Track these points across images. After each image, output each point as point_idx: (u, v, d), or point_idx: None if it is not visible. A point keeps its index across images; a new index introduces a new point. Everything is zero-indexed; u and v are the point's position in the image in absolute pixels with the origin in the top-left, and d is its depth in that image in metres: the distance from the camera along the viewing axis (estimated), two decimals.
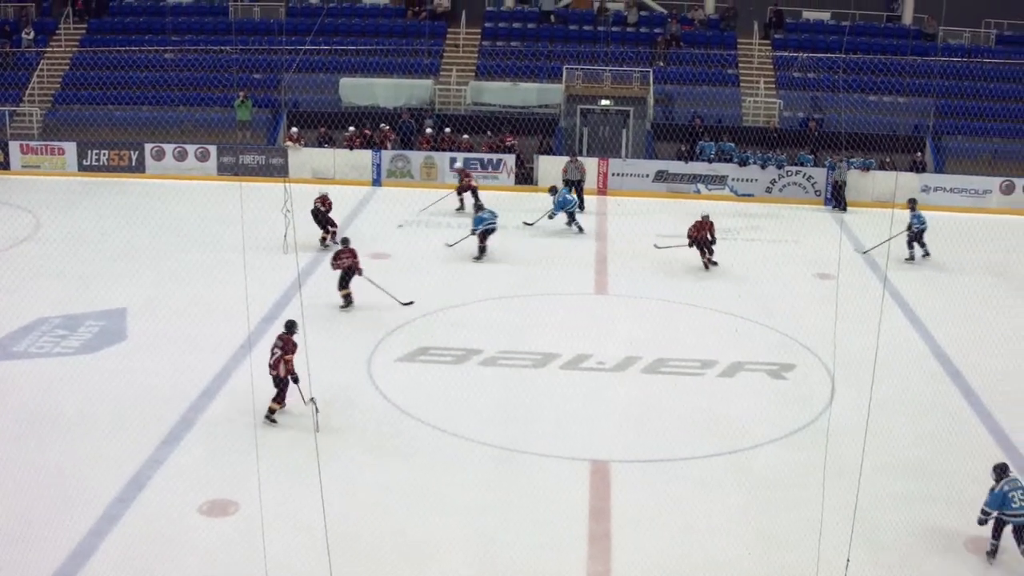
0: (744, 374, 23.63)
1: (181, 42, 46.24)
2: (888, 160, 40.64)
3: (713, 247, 30.96)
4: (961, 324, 27.12)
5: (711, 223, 30.86)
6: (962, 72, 44.42)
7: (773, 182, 39.70)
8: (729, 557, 16.50)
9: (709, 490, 18.66)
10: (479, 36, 47.06)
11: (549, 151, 40.95)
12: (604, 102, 42.96)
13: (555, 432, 20.47)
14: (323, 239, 31.65)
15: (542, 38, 46.79)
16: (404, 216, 35.02)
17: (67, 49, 47.70)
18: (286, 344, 20.27)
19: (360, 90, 43.36)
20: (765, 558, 16.51)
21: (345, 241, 27.24)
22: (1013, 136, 43.19)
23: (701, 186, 39.64)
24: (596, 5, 48.64)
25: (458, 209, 36.18)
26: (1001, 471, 16.91)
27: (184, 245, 31.64)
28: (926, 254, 32.73)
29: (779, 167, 39.85)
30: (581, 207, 36.14)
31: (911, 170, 40.42)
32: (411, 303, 26.63)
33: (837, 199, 38.86)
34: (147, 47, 46.30)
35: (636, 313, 27.25)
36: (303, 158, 40.30)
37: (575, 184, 37.08)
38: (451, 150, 40.31)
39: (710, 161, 39.74)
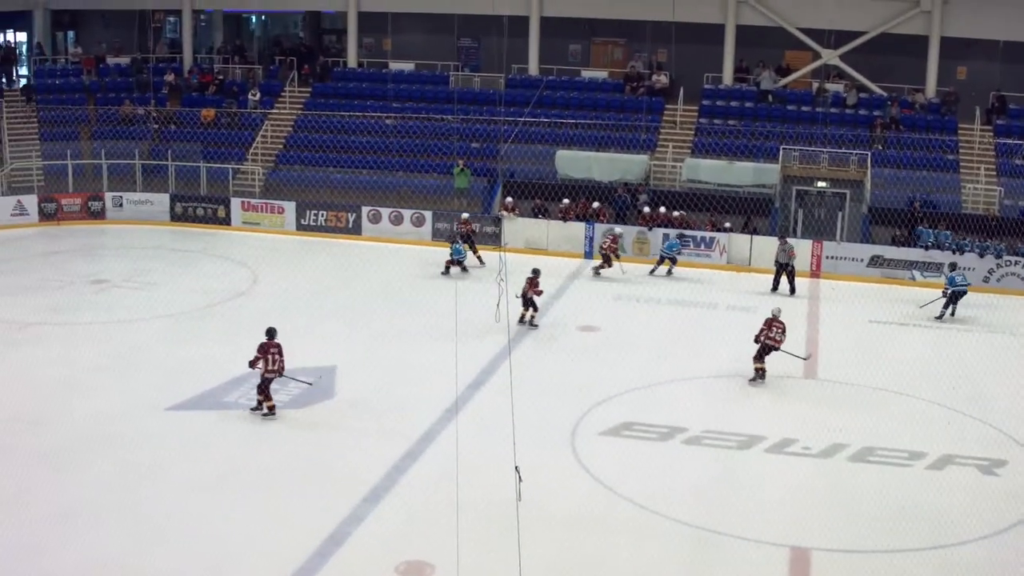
0: (953, 468, 23.14)
1: (402, 109, 47.76)
2: None
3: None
4: None
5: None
6: None
7: (991, 271, 38.82)
8: None
9: None
10: (696, 113, 47.37)
11: (754, 231, 40.80)
12: (820, 184, 42.70)
13: (756, 515, 20.35)
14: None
15: (759, 117, 46.87)
16: (617, 290, 35.27)
17: (291, 111, 49.60)
18: (280, 348, 24.09)
19: (576, 163, 43.98)
20: None
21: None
22: None
23: (916, 273, 39.01)
24: (815, 86, 48.49)
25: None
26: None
27: (396, 308, 32.47)
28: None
29: (997, 256, 38.99)
30: (792, 290, 35.95)
31: None
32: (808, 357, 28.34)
33: None
34: (368, 112, 47.82)
35: (845, 399, 26.89)
36: (517, 227, 40.94)
37: (783, 267, 36.85)
38: (666, 226, 40.46)
39: (927, 248, 39.10)
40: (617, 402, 25.70)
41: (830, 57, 48.65)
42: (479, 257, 38.24)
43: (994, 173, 43.82)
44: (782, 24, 48.17)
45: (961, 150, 45.18)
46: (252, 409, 24.12)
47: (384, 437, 22.83)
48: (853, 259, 39.55)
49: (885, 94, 47.82)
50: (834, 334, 32.24)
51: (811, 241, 39.86)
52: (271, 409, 23.88)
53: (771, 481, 22.01)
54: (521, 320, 31.02)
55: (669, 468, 22.27)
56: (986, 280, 38.75)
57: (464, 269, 37.25)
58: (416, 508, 19.85)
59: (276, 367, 23.89)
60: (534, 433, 22.16)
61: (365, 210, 42.49)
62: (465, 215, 39.90)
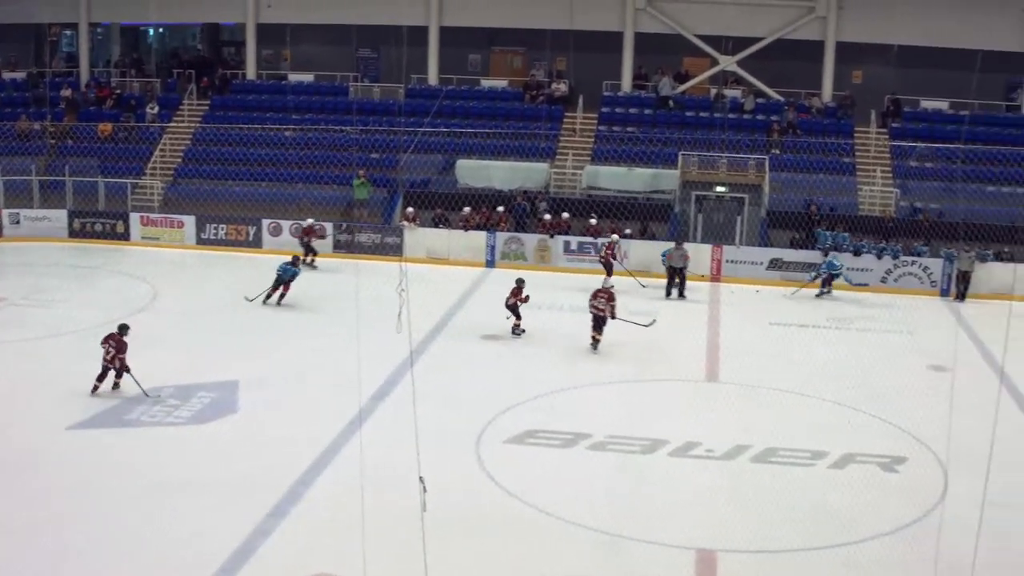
0: (855, 466, 23.34)
1: (301, 120, 47.46)
2: (1007, 251, 40.14)
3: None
4: None
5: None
6: None
7: (888, 272, 39.39)
8: None
9: None
10: (596, 120, 47.56)
11: (652, 236, 41.02)
12: (719, 188, 43.06)
13: (662, 519, 20.36)
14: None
15: (658, 123, 47.18)
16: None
17: (190, 124, 49.16)
18: (119, 345, 25.16)
19: (476, 172, 43.96)
20: None
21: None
22: None
23: (815, 274, 39.45)
24: (713, 92, 48.93)
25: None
26: None
27: (298, 320, 32.20)
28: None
29: (895, 257, 39.55)
30: (681, 294, 36.23)
31: None
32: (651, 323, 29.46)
33: (960, 292, 38.38)
34: (268, 124, 47.61)
35: (747, 401, 27.06)
36: (418, 238, 40.82)
37: (678, 271, 37.03)
38: (566, 234, 40.54)
39: (825, 251, 39.54)
40: (521, 410, 25.61)
41: (728, 63, 49.10)
42: (311, 263, 38.87)
43: (890, 175, 44.46)
44: (680, 31, 48.56)
45: (857, 153, 45.81)
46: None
47: (288, 450, 22.57)
48: (752, 262, 39.94)
49: (782, 99, 48.37)
50: (735, 337, 32.47)
51: (711, 246, 40.18)
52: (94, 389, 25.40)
53: (676, 484, 22.05)
54: (514, 330, 31.18)
55: (574, 474, 22.23)
56: (884, 280, 39.32)
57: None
58: (322, 521, 19.64)
59: (109, 358, 25.21)
60: (439, 443, 21.88)
61: (265, 223, 42.16)
62: (309, 221, 40.17)
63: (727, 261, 39.94)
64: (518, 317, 31.02)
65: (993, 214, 41.25)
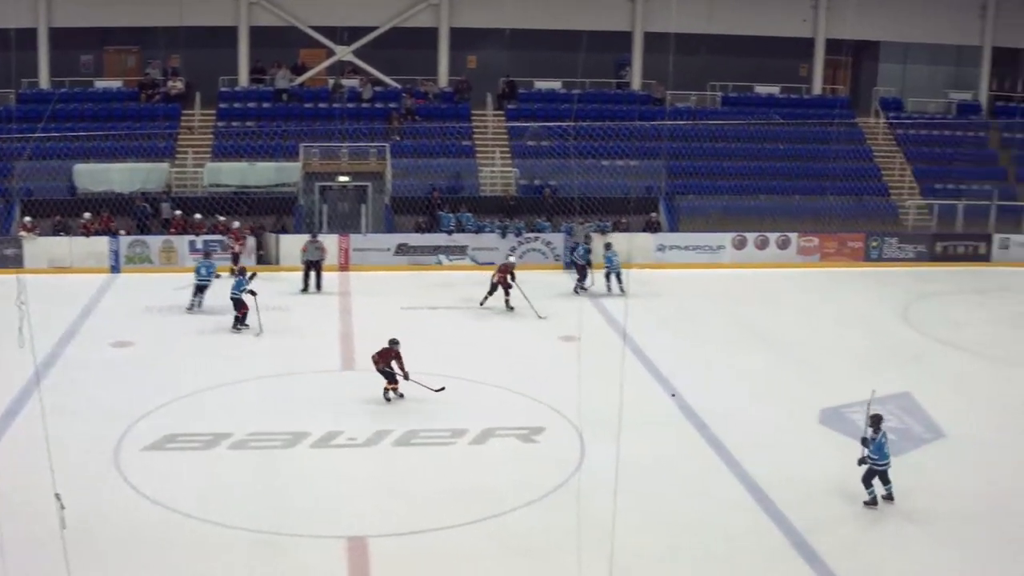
0: (495, 440, 23.77)
1: None
2: (623, 222, 41.65)
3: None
4: (703, 375, 28.19)
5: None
6: (690, 134, 46.10)
7: (513, 249, 40.24)
8: None
9: (469, 559, 18.66)
10: (214, 117, 46.63)
11: (284, 230, 40.67)
12: (342, 178, 43.05)
13: (309, 511, 20.17)
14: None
15: (277, 117, 46.67)
16: (149, 302, 34.25)
17: None
18: None
19: (95, 176, 42.40)
20: None
21: None
22: (742, 193, 44.97)
23: (443, 257, 39.94)
24: (330, 82, 48.79)
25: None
26: (876, 421, 20.48)
27: None
28: (622, 291, 35.80)
29: (518, 234, 40.46)
30: (319, 286, 36.03)
31: (646, 231, 41.63)
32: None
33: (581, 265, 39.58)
34: None
35: (384, 386, 27.10)
36: (38, 248, 39.08)
37: (314, 264, 36.85)
38: (190, 233, 39.66)
39: (449, 233, 40.07)
40: (158, 415, 24.86)
41: (344, 53, 49.08)
42: None
43: (509, 155, 45.40)
44: (295, 23, 48.21)
45: (476, 136, 46.59)
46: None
47: None
48: (380, 249, 40.12)
49: (400, 86, 48.66)
50: (368, 324, 32.46)
51: (338, 235, 40.10)
52: None
53: (321, 475, 21.89)
54: (386, 394, 26.66)
55: (218, 475, 21.77)
56: (509, 258, 40.08)
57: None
58: None
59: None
60: (75, 457, 21.17)
61: None
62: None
63: (355, 250, 39.96)
64: (391, 381, 26.21)
65: (609, 187, 42.72)
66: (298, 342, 30.86)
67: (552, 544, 18.66)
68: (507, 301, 33.94)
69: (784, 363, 29.97)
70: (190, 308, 33.31)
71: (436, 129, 45.73)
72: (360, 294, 36.48)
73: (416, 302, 35.17)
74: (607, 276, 36.58)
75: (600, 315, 33.61)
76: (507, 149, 45.97)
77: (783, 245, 42.54)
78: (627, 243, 39.57)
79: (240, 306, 31.61)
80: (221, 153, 44.69)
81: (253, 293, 31.56)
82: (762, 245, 42.36)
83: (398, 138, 45.50)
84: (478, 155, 45.68)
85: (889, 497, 20.70)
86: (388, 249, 40.17)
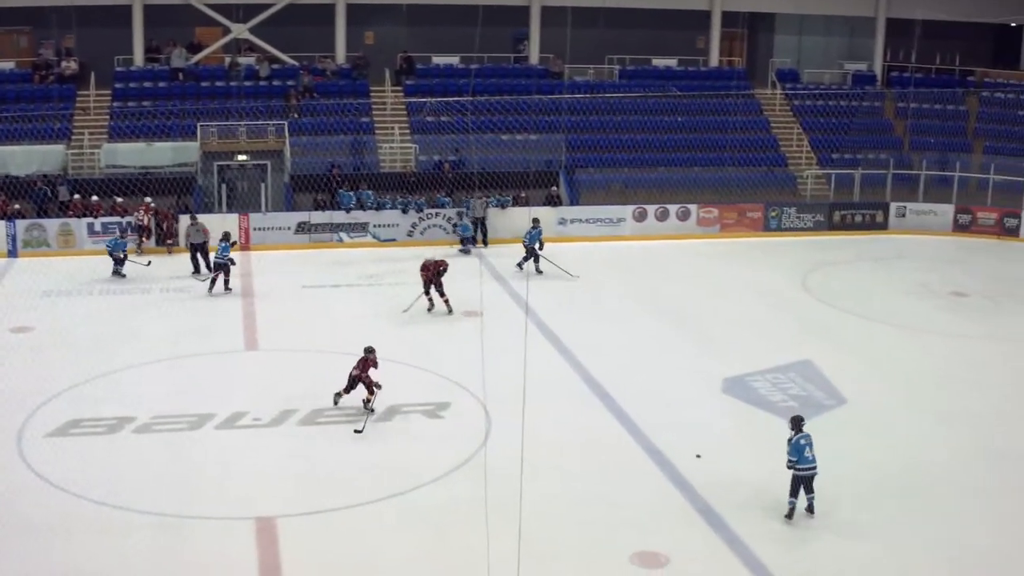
0: (400, 417, 23.77)
1: None
2: (523, 196, 41.71)
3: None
4: (606, 348, 28.42)
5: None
6: (589, 107, 46.19)
7: (414, 225, 40.20)
8: None
9: (378, 536, 18.67)
10: (110, 97, 45.91)
11: (187, 210, 40.14)
12: (241, 157, 42.59)
13: (217, 493, 20.08)
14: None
15: (174, 96, 46.03)
16: (48, 286, 33.65)
17: None
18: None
19: None
20: None
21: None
22: (642, 165, 45.21)
23: (344, 234, 39.69)
24: (227, 60, 48.27)
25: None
26: (797, 423, 19.31)
27: None
28: (539, 270, 35.17)
29: (419, 210, 40.36)
30: (209, 268, 34.82)
31: (547, 204, 41.70)
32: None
33: (474, 237, 39.66)
34: None
35: (289, 366, 26.99)
36: None
37: (199, 247, 35.96)
38: (88, 216, 39.01)
39: (348, 210, 39.86)
40: (60, 401, 24.47)
41: (240, 31, 48.53)
42: None
43: (408, 131, 45.24)
44: (190, 1, 47.52)
45: (375, 112, 46.36)
46: None
47: None
48: (280, 228, 39.75)
49: (297, 64, 48.26)
50: (270, 304, 32.30)
51: (237, 215, 39.69)
52: None
53: (227, 457, 21.76)
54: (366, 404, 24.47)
55: (123, 459, 21.51)
56: (411, 234, 40.16)
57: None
58: None
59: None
60: None
61: None
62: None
63: (255, 229, 39.57)
64: (370, 391, 24.03)
65: (509, 161, 42.68)
66: (200, 323, 30.52)
67: (461, 518, 18.71)
68: (446, 301, 31.24)
69: (687, 334, 30.22)
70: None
71: (334, 106, 45.35)
72: (261, 273, 36.14)
73: (318, 280, 34.98)
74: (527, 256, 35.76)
75: (502, 290, 33.64)
76: (406, 125, 45.79)
77: (683, 217, 42.84)
78: (529, 217, 39.58)
79: (225, 270, 32.70)
80: (118, 134, 44.02)
81: (232, 262, 32.83)
82: (662, 217, 42.62)
83: (296, 116, 45.13)
84: (377, 132, 45.45)
85: (810, 509, 19.30)
86: (288, 228, 39.83)
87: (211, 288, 33.25)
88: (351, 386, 23.90)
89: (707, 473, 20.94)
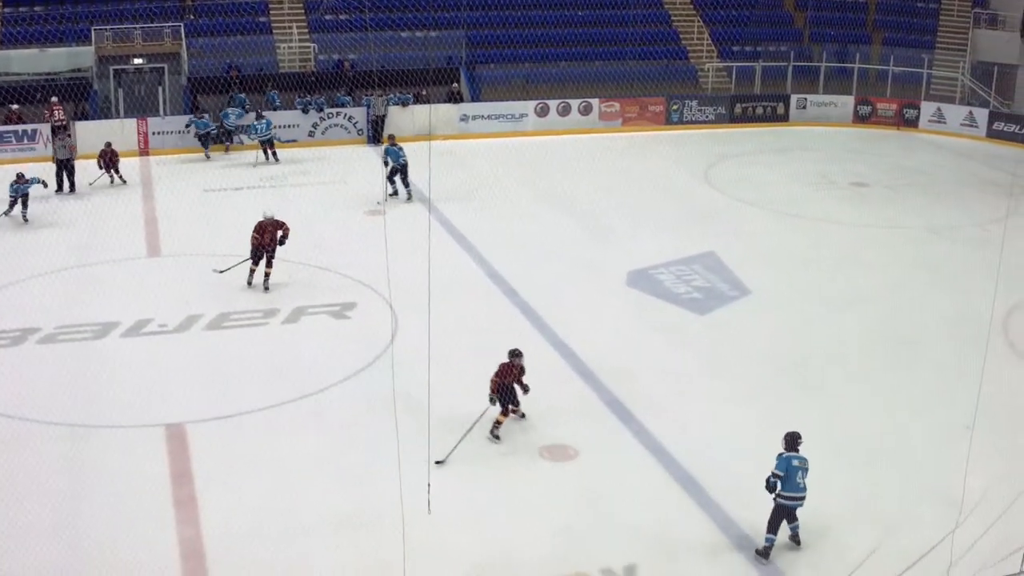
0: (307, 318, 23.80)
1: None
2: (425, 93, 41.47)
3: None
4: (509, 244, 28.59)
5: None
6: (489, 2, 45.87)
7: (315, 125, 39.89)
8: (311, 499, 16.61)
9: (288, 438, 18.75)
10: (0, 3, 44.74)
11: (84, 116, 39.42)
12: (137, 61, 41.81)
13: (125, 402, 19.94)
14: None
15: (66, 0, 44.95)
16: None
17: None
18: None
19: None
20: (350, 493, 16.81)
21: None
22: (543, 60, 45.02)
23: (244, 137, 39.16)
24: None
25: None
26: (792, 440, 15.73)
27: None
28: (409, 196, 32.94)
29: (319, 110, 40.01)
30: (72, 188, 34.06)
31: (448, 101, 41.54)
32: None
33: (376, 135, 39.43)
34: None
35: (192, 272, 26.67)
36: None
37: (64, 164, 34.24)
38: None
39: (247, 111, 39.36)
40: None
41: None
42: None
43: (307, 30, 44.63)
44: None
45: (272, 11, 45.58)
46: None
47: None
48: (179, 132, 39.09)
49: None
50: (172, 209, 31.93)
51: (135, 119, 39.06)
52: None
53: (134, 364, 21.63)
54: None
55: (29, 370, 21.27)
56: (312, 135, 39.83)
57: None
58: None
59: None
60: None
61: None
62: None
63: (153, 133, 38.98)
64: (515, 404, 19.17)
65: (409, 59, 42.35)
66: (100, 230, 30.00)
67: (371, 417, 18.85)
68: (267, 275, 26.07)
69: (590, 228, 30.41)
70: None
71: (231, 6, 44.57)
72: (161, 179, 35.64)
73: (219, 184, 34.62)
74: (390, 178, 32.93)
75: (405, 188, 33.52)
76: (304, 24, 45.15)
77: (585, 111, 42.88)
78: (430, 114, 39.44)
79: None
80: (10, 40, 42.88)
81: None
82: (564, 112, 42.63)
83: (192, 17, 44.25)
84: (275, 31, 44.78)
85: (795, 539, 15.81)
86: (188, 131, 39.25)
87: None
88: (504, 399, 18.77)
89: (614, 370, 21.21)
